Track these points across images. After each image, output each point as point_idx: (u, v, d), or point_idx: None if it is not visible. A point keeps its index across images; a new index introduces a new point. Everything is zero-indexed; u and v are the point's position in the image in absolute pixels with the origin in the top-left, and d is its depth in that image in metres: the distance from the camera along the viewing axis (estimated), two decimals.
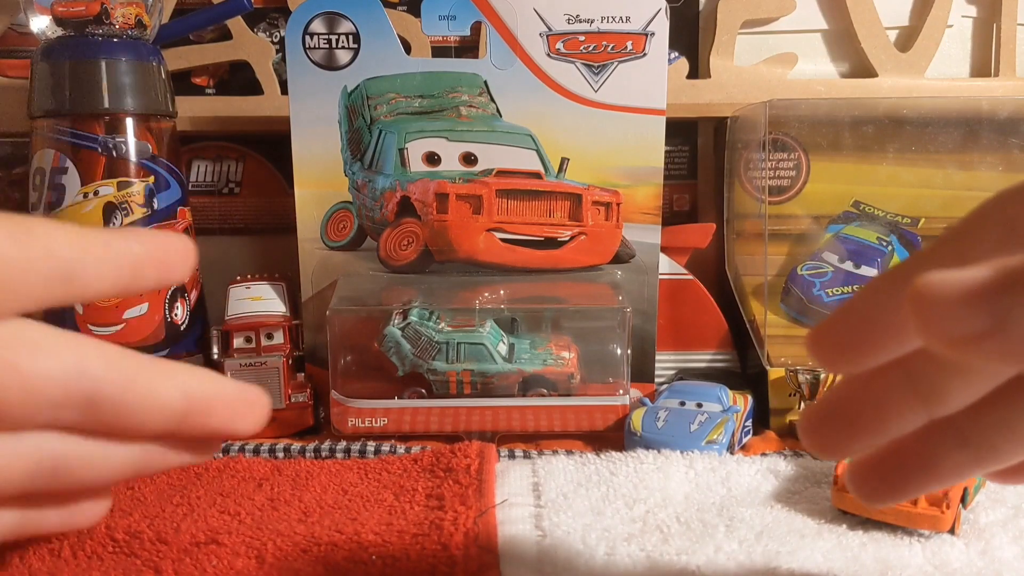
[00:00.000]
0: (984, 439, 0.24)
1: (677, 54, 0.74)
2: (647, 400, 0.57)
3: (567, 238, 0.61)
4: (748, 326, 0.64)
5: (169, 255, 0.29)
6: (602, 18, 0.59)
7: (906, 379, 0.23)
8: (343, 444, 0.54)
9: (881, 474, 0.26)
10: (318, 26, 0.59)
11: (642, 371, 0.62)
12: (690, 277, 0.65)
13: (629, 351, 0.58)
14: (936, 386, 0.23)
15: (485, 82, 0.60)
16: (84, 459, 0.27)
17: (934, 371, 0.23)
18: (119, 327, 0.58)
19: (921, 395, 0.23)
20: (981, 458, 0.24)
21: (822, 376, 0.57)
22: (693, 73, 0.74)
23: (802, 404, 0.57)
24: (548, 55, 0.59)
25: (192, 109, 0.70)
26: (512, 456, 0.53)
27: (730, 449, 0.53)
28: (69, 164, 0.58)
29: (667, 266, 0.64)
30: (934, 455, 0.25)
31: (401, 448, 0.53)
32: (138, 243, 0.28)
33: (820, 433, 0.25)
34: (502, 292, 0.60)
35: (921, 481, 0.26)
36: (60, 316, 0.58)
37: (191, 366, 0.30)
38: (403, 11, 0.71)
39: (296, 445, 0.54)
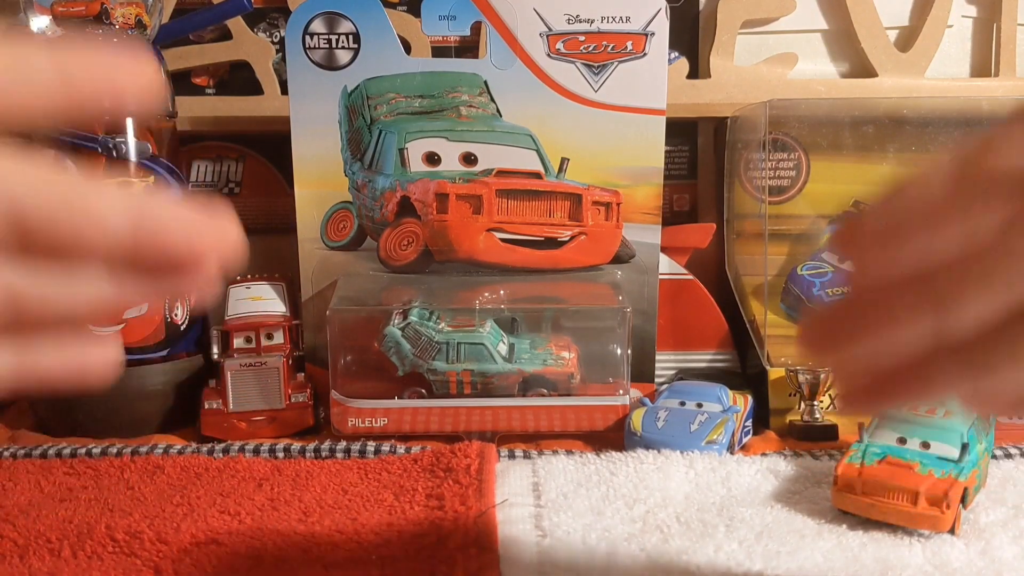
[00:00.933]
0: (986, 358, 0.23)
1: (677, 54, 0.74)
2: (647, 400, 0.57)
3: (567, 238, 0.61)
4: (748, 326, 0.64)
5: (119, 70, 0.25)
6: (602, 18, 0.59)
7: (922, 289, 0.23)
8: (343, 444, 0.54)
9: (870, 376, 0.25)
10: (318, 26, 0.59)
11: (642, 371, 0.62)
12: (690, 277, 0.65)
13: (629, 351, 0.58)
14: (954, 295, 0.23)
15: (485, 82, 0.60)
16: (39, 286, 0.25)
17: (955, 281, 0.23)
18: (119, 327, 0.58)
19: (936, 303, 0.23)
20: (976, 376, 0.24)
21: (822, 376, 0.56)
22: (693, 73, 0.74)
23: (802, 404, 0.57)
24: (548, 55, 0.59)
25: (192, 109, 0.70)
26: (512, 456, 0.53)
27: (730, 449, 0.53)
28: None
29: (667, 266, 0.64)
30: (929, 362, 0.24)
31: (401, 448, 0.53)
32: (74, 54, 0.24)
33: (820, 329, 0.25)
34: (502, 292, 0.60)
35: (909, 387, 0.25)
36: None
37: (145, 192, 0.26)
38: (403, 11, 0.71)
39: (296, 445, 0.54)
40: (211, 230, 0.27)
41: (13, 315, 0.26)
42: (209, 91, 0.74)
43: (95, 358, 0.28)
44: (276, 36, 0.73)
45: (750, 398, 0.58)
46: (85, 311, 0.27)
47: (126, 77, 0.26)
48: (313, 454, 0.53)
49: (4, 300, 0.26)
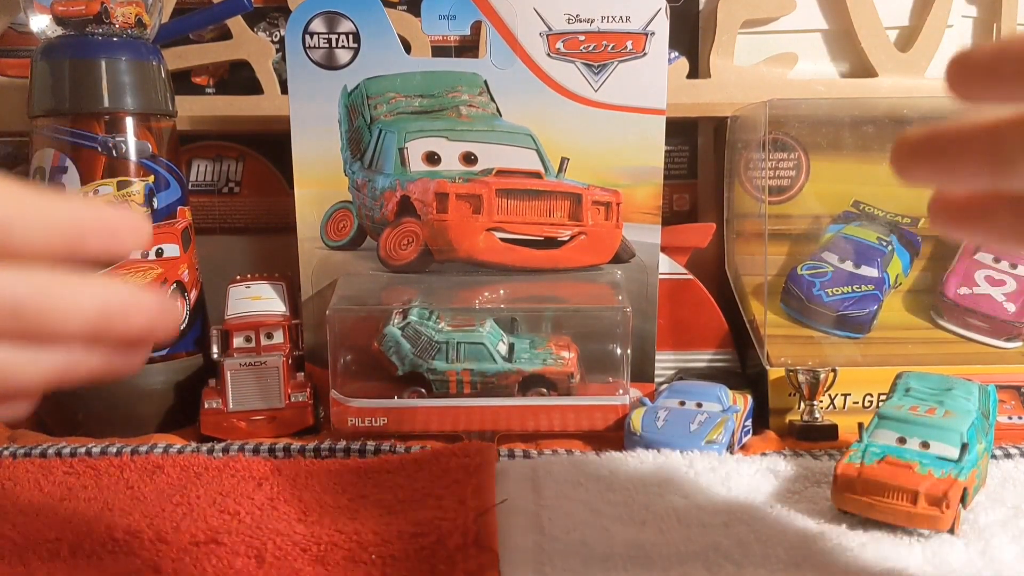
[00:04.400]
0: None
1: (677, 54, 0.74)
2: (647, 400, 0.57)
3: (567, 238, 0.61)
4: (748, 326, 0.64)
5: (116, 224, 0.30)
6: (602, 18, 0.59)
7: (994, 139, 0.26)
8: (343, 444, 0.54)
9: (949, 199, 0.28)
10: (318, 25, 0.59)
11: (642, 371, 0.62)
12: (690, 277, 0.65)
13: (629, 351, 0.58)
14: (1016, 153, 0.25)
15: (485, 82, 0.60)
16: (10, 363, 0.30)
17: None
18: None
19: (999, 155, 0.25)
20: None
21: (821, 376, 0.57)
22: (693, 73, 0.74)
23: (802, 404, 0.57)
24: (548, 55, 0.59)
25: (192, 108, 0.70)
26: (512, 456, 0.53)
27: (730, 449, 0.53)
28: (69, 163, 0.58)
29: (667, 266, 0.64)
30: (991, 204, 0.27)
31: (401, 447, 0.53)
32: (82, 208, 0.30)
33: (912, 146, 0.28)
34: (502, 292, 0.60)
35: (975, 221, 0.28)
36: None
37: (106, 279, 0.31)
38: (403, 11, 0.71)
39: (296, 444, 0.54)
40: (167, 314, 0.32)
41: None
42: (209, 91, 0.74)
43: (10, 412, 0.32)
44: (276, 35, 0.73)
45: (750, 398, 0.58)
46: (42, 382, 0.31)
47: (123, 226, 0.31)
48: (313, 453, 0.53)
49: None
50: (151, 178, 0.59)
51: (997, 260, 0.65)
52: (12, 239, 0.28)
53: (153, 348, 0.38)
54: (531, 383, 0.57)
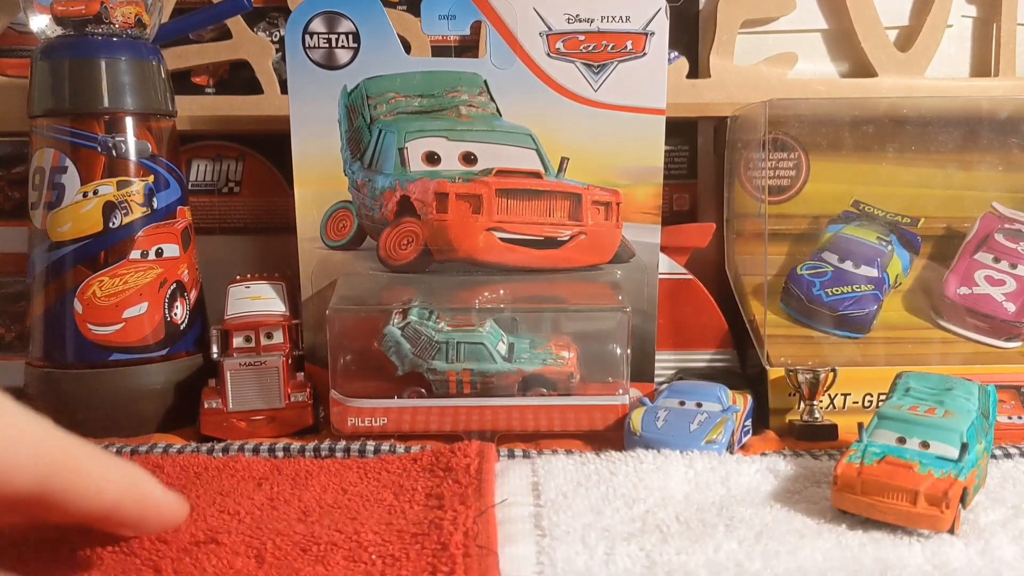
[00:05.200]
0: None
1: (677, 54, 0.74)
2: (647, 400, 0.57)
3: (567, 238, 0.61)
4: (748, 326, 0.64)
5: (169, 516, 0.39)
6: (602, 18, 0.59)
7: None
8: (343, 444, 0.54)
9: None
10: (318, 25, 0.59)
11: (642, 371, 0.62)
12: (690, 277, 0.65)
13: (629, 351, 0.58)
14: None
15: (485, 82, 0.60)
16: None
17: None
18: (118, 326, 0.58)
19: None
20: None
21: (821, 376, 0.56)
22: (693, 73, 0.74)
23: (802, 404, 0.57)
24: (548, 55, 0.59)
25: (192, 108, 0.70)
26: (512, 456, 0.53)
27: (730, 449, 0.53)
28: (69, 163, 0.58)
29: (667, 266, 0.64)
30: None
31: (401, 448, 0.53)
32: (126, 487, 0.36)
33: None
34: (502, 292, 0.60)
35: None
36: (61, 315, 0.58)
37: (125, 464, 0.37)
38: (403, 11, 0.71)
39: (296, 444, 0.54)
40: (171, 516, 0.40)
41: None
42: (209, 90, 0.74)
43: None
44: (276, 35, 0.73)
45: (750, 398, 0.58)
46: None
47: (172, 514, 0.39)
48: (313, 453, 0.53)
49: None
50: (151, 178, 0.59)
51: (997, 260, 0.65)
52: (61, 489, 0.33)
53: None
54: (531, 383, 0.57)
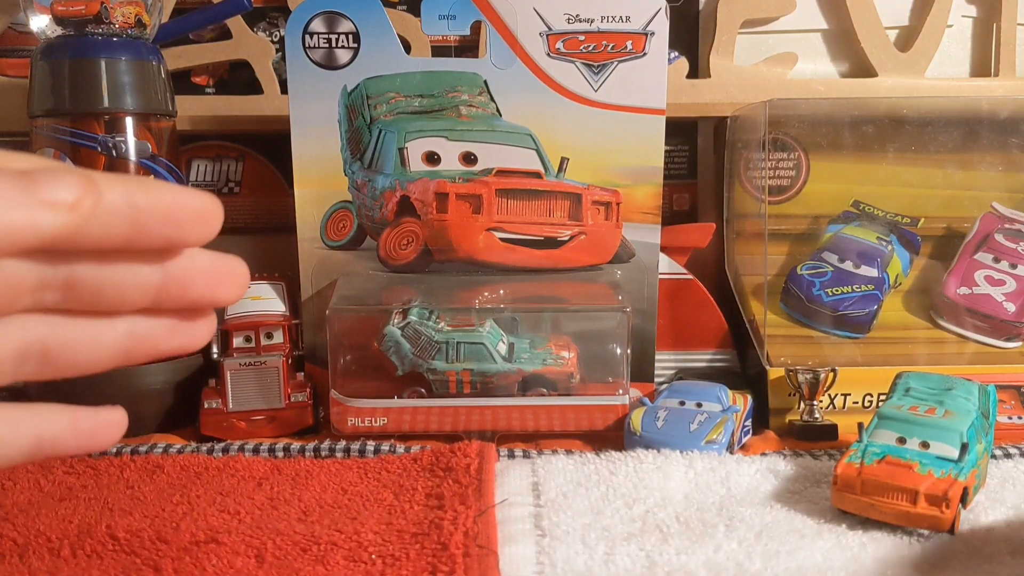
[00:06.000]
0: None
1: (677, 54, 0.74)
2: (647, 400, 0.57)
3: (567, 238, 0.61)
4: (748, 326, 0.64)
5: (181, 209, 0.29)
6: (602, 18, 0.59)
7: None
8: (343, 443, 0.54)
9: None
10: (318, 25, 0.59)
11: (642, 371, 0.62)
12: (690, 277, 0.65)
13: (629, 351, 0.58)
14: None
15: (485, 82, 0.60)
16: (71, 339, 0.28)
17: None
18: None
19: None
20: None
21: (821, 376, 0.56)
22: (693, 73, 0.74)
23: (802, 404, 0.57)
24: (548, 55, 0.59)
25: (192, 108, 0.70)
26: (512, 456, 0.53)
27: (730, 449, 0.53)
28: (69, 163, 0.57)
29: (667, 266, 0.64)
30: None
31: (401, 448, 0.53)
32: (144, 191, 0.27)
33: None
34: (502, 292, 0.60)
35: None
36: None
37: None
38: (403, 10, 0.71)
39: (296, 444, 0.54)
40: (228, 277, 0.32)
41: (40, 366, 0.29)
42: (209, 90, 0.74)
43: (104, 431, 0.31)
44: (276, 35, 0.73)
45: (750, 398, 0.58)
46: (108, 364, 0.30)
47: (188, 216, 0.29)
48: (313, 453, 0.53)
49: (37, 351, 0.28)
50: (150, 177, 0.59)
51: (997, 260, 0.65)
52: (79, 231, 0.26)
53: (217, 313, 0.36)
54: (531, 383, 0.57)
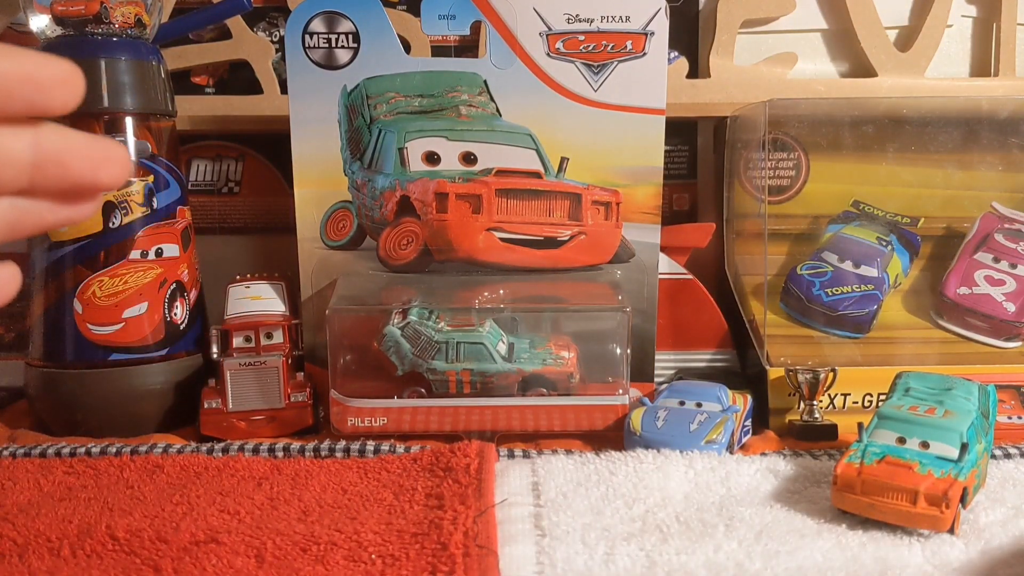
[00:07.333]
0: None
1: (677, 54, 0.74)
2: (647, 400, 0.57)
3: (567, 238, 0.61)
4: (748, 326, 0.64)
5: (41, 72, 0.28)
6: (602, 18, 0.59)
7: None
8: (343, 443, 0.54)
9: None
10: (318, 25, 0.59)
11: (642, 371, 0.62)
12: (690, 277, 0.65)
13: (629, 351, 0.58)
14: None
15: (485, 82, 0.60)
16: None
17: None
18: (118, 326, 0.58)
19: None
20: None
21: (821, 376, 0.56)
22: (693, 73, 0.74)
23: (801, 404, 0.57)
24: (548, 55, 0.59)
25: (192, 108, 0.70)
26: (512, 456, 0.53)
27: (729, 449, 0.53)
28: None
29: (667, 266, 0.64)
30: None
31: (400, 447, 0.53)
32: (4, 56, 0.27)
33: None
34: (502, 292, 0.60)
35: None
36: (61, 315, 0.58)
37: (44, 122, 0.30)
38: (403, 11, 0.71)
39: (296, 444, 0.54)
40: (108, 158, 0.30)
41: None
42: (209, 90, 0.74)
43: None
44: (276, 35, 0.73)
45: (749, 398, 0.58)
46: None
47: (48, 78, 0.28)
48: (312, 453, 0.53)
49: None
50: (151, 178, 0.59)
51: (997, 260, 0.65)
52: None
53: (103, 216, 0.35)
54: (531, 383, 0.57)
